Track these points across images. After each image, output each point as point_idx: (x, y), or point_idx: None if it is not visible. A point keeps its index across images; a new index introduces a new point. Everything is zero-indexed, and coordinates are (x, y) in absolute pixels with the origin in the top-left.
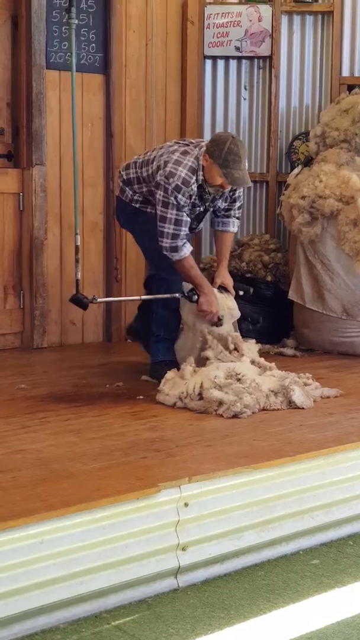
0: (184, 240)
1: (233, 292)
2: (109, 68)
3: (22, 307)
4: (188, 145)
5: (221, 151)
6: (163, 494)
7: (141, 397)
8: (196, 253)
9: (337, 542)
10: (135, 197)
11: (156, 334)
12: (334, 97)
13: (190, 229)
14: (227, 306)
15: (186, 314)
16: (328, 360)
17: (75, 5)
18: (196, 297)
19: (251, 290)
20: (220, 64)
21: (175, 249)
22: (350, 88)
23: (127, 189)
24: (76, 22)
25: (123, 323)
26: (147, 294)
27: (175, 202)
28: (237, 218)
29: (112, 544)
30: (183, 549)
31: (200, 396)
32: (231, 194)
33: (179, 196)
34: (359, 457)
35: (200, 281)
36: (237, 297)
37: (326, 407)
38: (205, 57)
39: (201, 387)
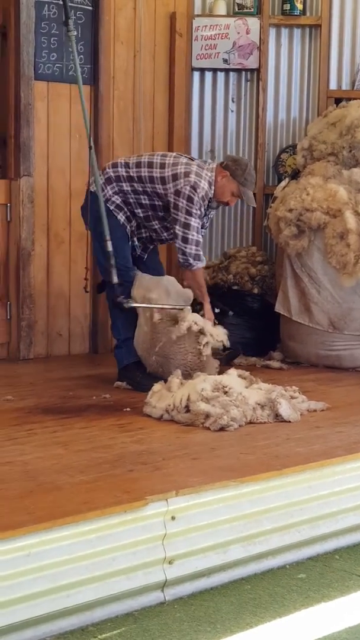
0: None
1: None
2: (97, 79)
3: (8, 318)
4: (193, 160)
5: (243, 171)
6: (150, 507)
7: (128, 409)
8: None
9: (323, 556)
10: (113, 199)
11: (116, 339)
12: (322, 110)
13: None
14: (210, 332)
15: (136, 290)
16: (315, 374)
17: (65, 16)
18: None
19: (230, 313)
20: (208, 76)
21: (198, 257)
22: (338, 101)
23: (107, 187)
24: (75, 33)
25: (109, 335)
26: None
27: (198, 212)
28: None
29: (99, 557)
30: (170, 562)
31: (187, 409)
32: (208, 212)
33: (202, 207)
34: (345, 471)
35: (205, 291)
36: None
37: (313, 421)
38: (193, 69)
39: (188, 399)
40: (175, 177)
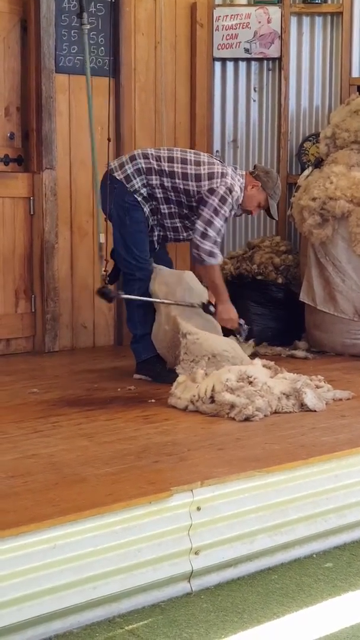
0: (219, 249)
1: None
2: (118, 71)
3: (33, 311)
4: (224, 164)
5: (274, 185)
6: (175, 498)
7: (153, 400)
8: None
9: (350, 545)
10: (142, 191)
11: (133, 334)
12: (344, 98)
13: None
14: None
15: (158, 286)
16: (340, 363)
17: (79, 9)
18: (213, 307)
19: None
20: (230, 66)
21: (213, 254)
22: None
23: (137, 179)
24: (88, 26)
25: None
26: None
27: (226, 214)
28: None
29: (124, 549)
30: (196, 553)
31: (212, 399)
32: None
33: (232, 210)
34: None
35: (222, 290)
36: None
37: (338, 410)
38: (215, 59)
39: (213, 390)
40: (211, 175)
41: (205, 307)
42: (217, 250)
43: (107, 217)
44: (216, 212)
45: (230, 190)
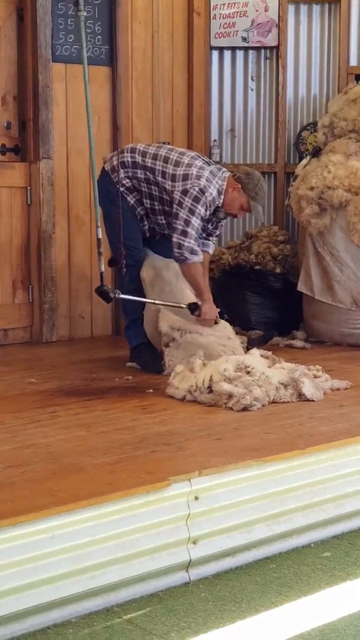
0: (198, 246)
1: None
2: (115, 60)
3: (31, 301)
4: (209, 164)
5: (255, 186)
6: (173, 487)
7: (150, 390)
8: None
9: (348, 535)
10: (125, 182)
11: (126, 320)
12: (342, 87)
13: None
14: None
15: (146, 269)
16: (338, 352)
17: None
18: (198, 310)
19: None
20: (227, 54)
21: (194, 252)
22: (358, 78)
23: (122, 171)
24: (85, 14)
25: None
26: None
27: (202, 214)
28: (214, 242)
29: (122, 538)
30: (194, 543)
31: (210, 389)
32: (218, 220)
33: (207, 210)
34: None
35: (205, 288)
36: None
37: (336, 399)
38: (212, 48)
39: (211, 380)
40: (185, 177)
41: (192, 308)
42: (197, 248)
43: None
44: (191, 211)
45: (202, 191)
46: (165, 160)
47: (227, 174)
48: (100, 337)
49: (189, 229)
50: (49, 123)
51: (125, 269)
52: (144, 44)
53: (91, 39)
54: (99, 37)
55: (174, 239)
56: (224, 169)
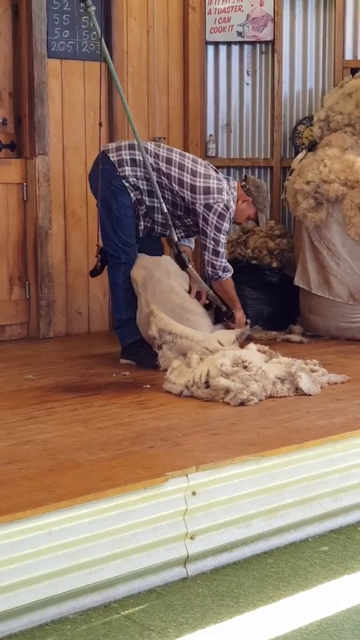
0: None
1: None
2: (111, 56)
3: (27, 297)
4: (217, 172)
5: (264, 199)
6: (170, 483)
7: (148, 386)
8: None
9: (346, 529)
10: (131, 179)
11: (117, 319)
12: (338, 81)
13: None
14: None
15: (137, 270)
16: (335, 346)
17: None
18: (231, 314)
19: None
20: (223, 49)
21: (227, 269)
22: (354, 71)
23: (129, 167)
24: (94, 8)
25: None
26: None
27: (227, 230)
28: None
29: (120, 534)
30: (191, 538)
31: (207, 384)
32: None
33: (230, 225)
34: None
35: (237, 298)
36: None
37: (333, 394)
38: (207, 43)
39: (208, 375)
40: (207, 190)
41: (226, 314)
42: (228, 264)
43: (95, 196)
44: (218, 229)
45: (227, 207)
46: (181, 167)
47: (236, 183)
48: (97, 333)
49: (219, 249)
50: (44, 119)
51: (120, 266)
52: (139, 39)
53: (86, 35)
54: (94, 32)
55: (207, 258)
56: (230, 177)
